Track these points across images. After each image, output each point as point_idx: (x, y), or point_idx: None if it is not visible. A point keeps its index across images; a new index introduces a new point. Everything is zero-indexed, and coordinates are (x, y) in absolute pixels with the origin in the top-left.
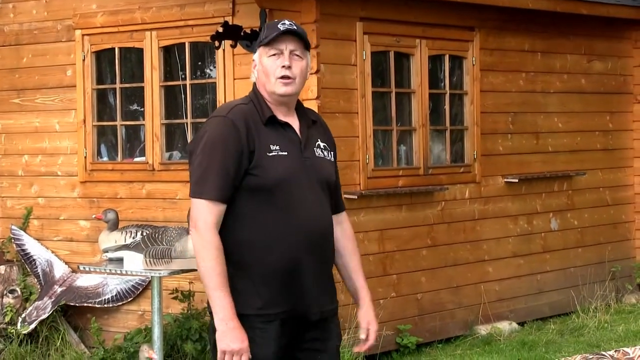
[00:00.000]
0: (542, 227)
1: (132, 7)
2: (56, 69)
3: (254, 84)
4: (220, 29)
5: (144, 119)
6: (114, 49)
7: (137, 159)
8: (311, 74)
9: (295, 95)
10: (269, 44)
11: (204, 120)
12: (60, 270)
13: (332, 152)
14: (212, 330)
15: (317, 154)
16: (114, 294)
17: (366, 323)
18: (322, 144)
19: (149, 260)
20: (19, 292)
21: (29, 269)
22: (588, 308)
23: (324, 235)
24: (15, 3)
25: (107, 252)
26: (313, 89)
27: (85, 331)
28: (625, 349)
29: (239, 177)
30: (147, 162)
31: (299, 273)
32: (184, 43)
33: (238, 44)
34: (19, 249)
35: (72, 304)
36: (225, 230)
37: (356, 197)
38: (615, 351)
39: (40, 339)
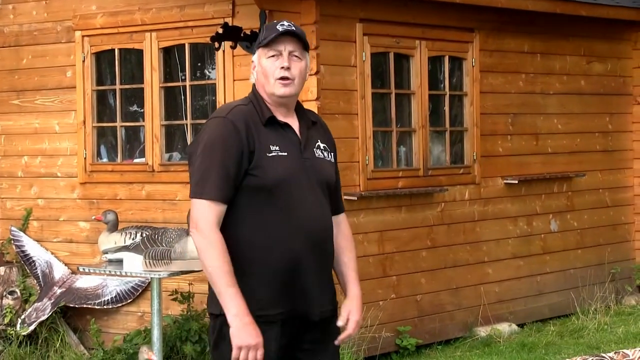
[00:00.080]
0: (541, 228)
1: (131, 9)
2: (56, 70)
3: (254, 85)
4: (220, 30)
5: (143, 120)
6: (113, 50)
7: (136, 160)
8: (311, 75)
9: (295, 96)
10: (268, 45)
11: (203, 121)
12: (59, 271)
13: (332, 153)
14: (211, 331)
15: (317, 155)
16: (114, 295)
17: (347, 312)
18: (322, 145)
19: (149, 262)
20: (19, 294)
21: (28, 270)
22: (588, 310)
23: (324, 236)
24: (15, 4)
25: (106, 253)
26: (313, 90)
27: (84, 332)
28: (625, 350)
29: (239, 177)
30: (147, 164)
31: (299, 273)
32: (184, 44)
33: (238, 45)
34: (18, 250)
35: (71, 305)
36: (225, 230)
37: (356, 198)
38: (615, 353)
39: (40, 341)
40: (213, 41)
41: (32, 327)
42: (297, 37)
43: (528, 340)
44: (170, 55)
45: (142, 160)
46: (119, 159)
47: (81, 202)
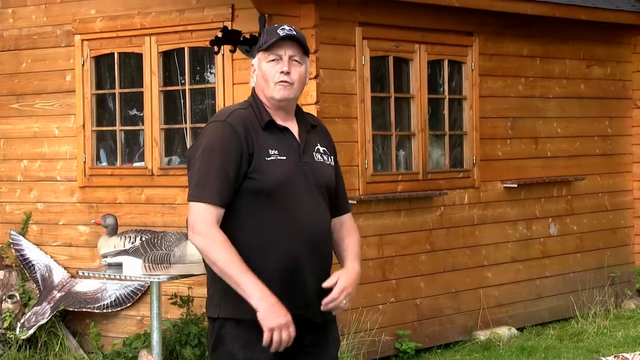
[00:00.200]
0: (541, 232)
1: (131, 12)
2: (55, 74)
3: (253, 88)
4: (220, 34)
5: (143, 124)
6: (113, 54)
7: (136, 164)
8: (310, 79)
9: (294, 100)
10: (268, 49)
11: (203, 125)
12: (59, 275)
13: (332, 157)
14: (210, 335)
15: (316, 159)
16: (113, 299)
17: (336, 277)
18: (321, 149)
19: (148, 266)
20: (18, 298)
21: (27, 274)
22: (587, 313)
23: (323, 238)
24: (14, 8)
25: (106, 257)
26: (312, 94)
27: (84, 336)
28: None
29: (238, 181)
30: (146, 167)
31: (299, 274)
32: (183, 48)
33: (237, 49)
34: (17, 254)
35: (71, 309)
36: (224, 232)
37: (355, 202)
38: (614, 357)
39: (39, 345)
40: (212, 45)
41: (31, 331)
42: (298, 42)
43: (527, 344)
44: (169, 59)
45: (142, 164)
46: (118, 163)
47: (80, 206)
